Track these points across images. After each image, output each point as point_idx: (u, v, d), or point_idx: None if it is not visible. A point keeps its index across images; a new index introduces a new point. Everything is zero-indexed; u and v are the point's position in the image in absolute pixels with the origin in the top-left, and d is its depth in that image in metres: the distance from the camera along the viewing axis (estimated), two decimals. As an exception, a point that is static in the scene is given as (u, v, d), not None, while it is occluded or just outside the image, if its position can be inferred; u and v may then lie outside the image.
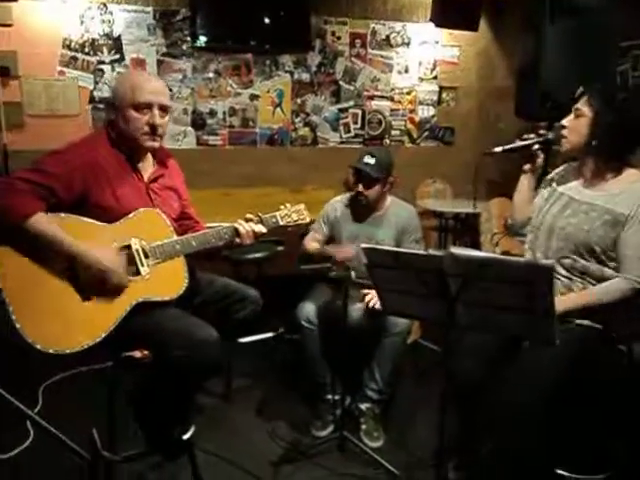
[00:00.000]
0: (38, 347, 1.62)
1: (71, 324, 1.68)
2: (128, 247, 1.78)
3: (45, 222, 1.66)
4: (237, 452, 2.33)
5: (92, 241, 1.72)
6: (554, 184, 2.03)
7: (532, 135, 1.92)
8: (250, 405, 2.73)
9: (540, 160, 2.01)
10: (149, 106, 1.82)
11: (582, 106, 1.86)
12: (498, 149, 1.90)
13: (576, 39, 2.83)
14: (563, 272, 1.89)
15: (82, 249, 1.68)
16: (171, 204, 1.99)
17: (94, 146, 1.83)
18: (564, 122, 1.90)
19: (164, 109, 1.86)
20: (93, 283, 1.70)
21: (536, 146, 1.93)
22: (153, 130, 1.84)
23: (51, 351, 1.63)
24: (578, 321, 1.85)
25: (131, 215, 1.81)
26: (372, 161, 2.50)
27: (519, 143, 1.94)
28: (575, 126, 1.87)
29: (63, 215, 1.72)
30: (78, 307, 1.70)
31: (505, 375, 1.80)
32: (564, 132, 1.89)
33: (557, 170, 2.09)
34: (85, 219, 1.75)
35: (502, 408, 1.73)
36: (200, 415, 2.54)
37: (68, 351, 1.65)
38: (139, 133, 1.83)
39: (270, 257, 3.12)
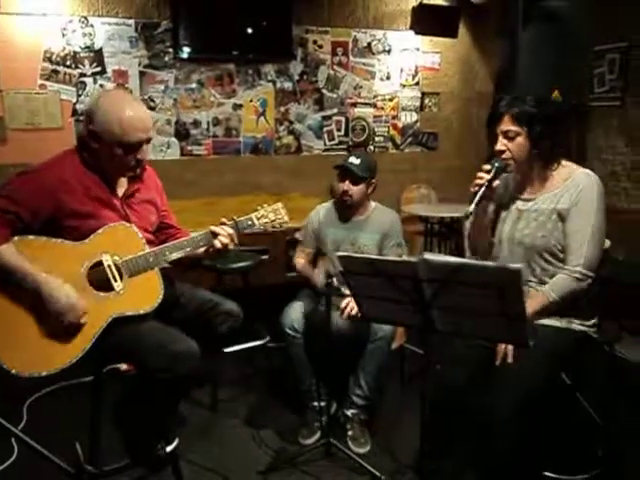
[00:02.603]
0: (13, 372, 1.61)
1: (46, 346, 1.66)
2: (100, 263, 1.76)
3: (7, 256, 1.64)
4: (224, 462, 2.33)
5: (62, 261, 1.71)
6: (502, 202, 2.03)
7: (484, 175, 1.86)
8: (236, 414, 2.72)
9: (496, 189, 1.95)
10: (139, 145, 1.77)
11: (510, 126, 1.85)
12: (472, 208, 1.85)
13: (548, 44, 2.89)
14: (534, 279, 1.92)
15: (41, 285, 1.65)
16: (148, 217, 1.96)
17: (65, 165, 1.78)
18: (500, 147, 1.88)
19: (149, 140, 1.82)
20: (50, 315, 1.69)
21: (496, 181, 1.88)
22: (138, 163, 1.83)
23: (26, 375, 1.62)
24: (559, 324, 1.88)
25: (100, 231, 1.77)
26: (357, 161, 2.57)
27: (481, 188, 1.85)
28: (515, 147, 1.87)
29: (32, 237, 1.70)
30: (52, 328, 1.68)
31: (488, 380, 1.82)
32: (505, 156, 1.88)
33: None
34: (54, 240, 1.72)
35: (485, 413, 1.75)
36: (186, 426, 2.54)
37: (45, 373, 1.64)
38: (124, 169, 1.82)
39: (255, 266, 3.13)
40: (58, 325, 1.68)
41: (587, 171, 1.91)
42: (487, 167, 1.87)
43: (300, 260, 2.77)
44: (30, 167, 1.77)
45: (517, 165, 1.91)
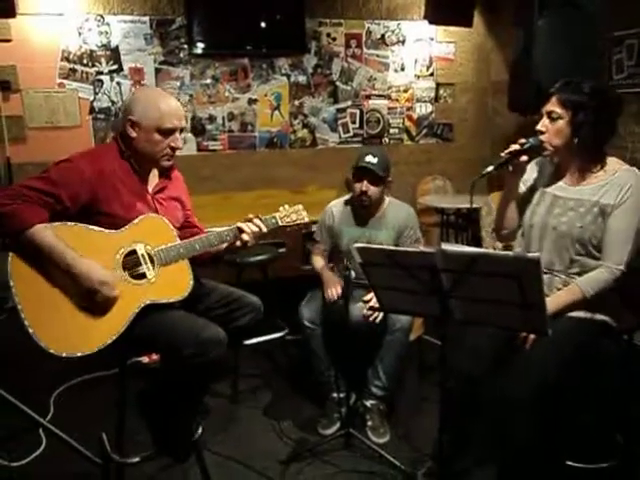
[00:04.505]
0: (51, 351, 1.66)
1: (82, 328, 1.72)
2: (134, 252, 1.84)
3: (43, 233, 1.70)
4: (245, 452, 2.37)
5: (98, 248, 1.78)
6: (537, 186, 2.02)
7: (515, 145, 1.88)
8: (257, 406, 2.76)
9: (526, 168, 1.97)
10: (173, 131, 1.90)
11: (555, 108, 1.84)
12: (490, 169, 1.85)
13: (565, 31, 2.85)
14: (561, 268, 1.91)
15: (73, 262, 1.71)
16: (175, 214, 2.05)
17: (103, 157, 1.88)
18: (540, 127, 1.88)
19: (182, 130, 1.95)
20: (84, 293, 1.74)
21: (524, 157, 1.88)
22: (173, 151, 1.93)
23: (64, 355, 1.67)
24: (577, 314, 1.87)
25: (136, 221, 1.86)
26: (375, 160, 2.51)
27: (505, 157, 1.88)
28: (555, 129, 1.85)
29: (70, 224, 1.77)
30: (88, 311, 1.75)
31: (506, 370, 1.83)
32: (543, 137, 1.87)
33: (529, 168, 2.04)
34: (92, 227, 1.80)
35: (504, 402, 1.75)
36: (208, 417, 2.58)
37: (79, 354, 1.69)
38: (160, 155, 1.91)
39: (272, 259, 3.15)
40: (93, 303, 1.73)
41: (633, 168, 1.87)
42: (522, 140, 1.88)
43: (319, 260, 2.76)
44: (70, 155, 1.84)
45: (555, 151, 1.89)
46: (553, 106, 1.85)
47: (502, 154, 1.90)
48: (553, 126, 1.85)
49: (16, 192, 1.71)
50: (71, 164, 1.81)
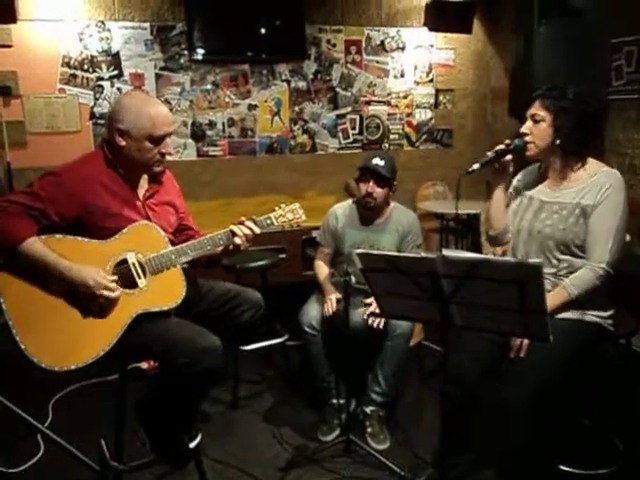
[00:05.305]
0: (43, 365, 1.66)
1: (74, 341, 1.71)
2: (125, 261, 1.81)
3: (35, 245, 1.69)
4: (244, 458, 2.36)
5: (88, 259, 1.75)
6: (525, 192, 2.08)
7: (501, 145, 1.98)
8: (256, 412, 2.75)
9: (511, 168, 2.05)
10: (164, 138, 1.87)
11: (538, 111, 1.92)
12: (476, 166, 1.93)
13: (565, 38, 2.88)
14: (552, 270, 1.93)
15: (69, 271, 1.70)
16: (168, 218, 2.01)
17: (90, 167, 1.85)
18: (524, 129, 1.96)
19: (171, 134, 1.93)
20: (87, 300, 1.73)
21: (508, 156, 1.98)
22: (163, 157, 1.91)
23: (56, 369, 1.67)
24: (571, 315, 1.89)
25: (125, 230, 1.83)
26: (382, 163, 2.54)
27: (491, 155, 1.98)
28: (537, 131, 1.93)
29: (59, 236, 1.75)
30: (79, 323, 1.73)
31: (504, 374, 1.83)
32: (527, 139, 1.95)
33: (518, 177, 2.15)
34: (81, 238, 1.77)
35: (502, 407, 1.75)
36: (207, 423, 2.58)
37: (73, 367, 1.68)
38: (152, 162, 1.89)
39: (272, 265, 3.14)
40: (90, 311, 1.72)
41: (613, 170, 1.93)
42: (508, 141, 1.98)
43: (322, 266, 2.75)
44: (56, 168, 1.81)
45: (538, 152, 1.96)
46: (536, 109, 1.93)
47: (488, 153, 1.99)
48: (536, 128, 1.93)
49: (1, 207, 1.69)
50: (57, 179, 1.77)
